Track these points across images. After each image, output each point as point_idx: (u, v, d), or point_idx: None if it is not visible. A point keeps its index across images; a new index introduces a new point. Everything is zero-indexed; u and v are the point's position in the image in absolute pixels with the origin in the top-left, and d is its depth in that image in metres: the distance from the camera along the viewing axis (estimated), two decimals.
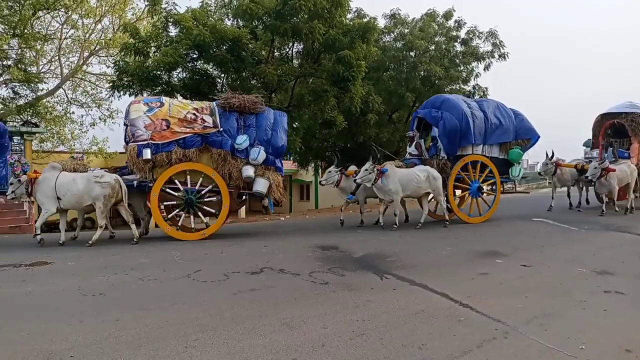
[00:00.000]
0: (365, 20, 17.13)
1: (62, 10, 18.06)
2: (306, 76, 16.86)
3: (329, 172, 11.48)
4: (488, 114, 11.94)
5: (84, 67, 19.66)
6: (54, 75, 19.75)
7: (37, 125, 17.43)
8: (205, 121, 9.76)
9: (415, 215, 11.85)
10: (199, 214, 9.72)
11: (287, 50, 17.97)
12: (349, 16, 17.67)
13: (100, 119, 19.84)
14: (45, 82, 19.00)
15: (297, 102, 16.83)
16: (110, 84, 15.86)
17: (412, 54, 19.73)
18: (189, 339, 3.89)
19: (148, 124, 9.52)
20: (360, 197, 11.64)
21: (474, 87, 21.30)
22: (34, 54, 18.77)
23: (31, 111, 17.43)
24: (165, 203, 9.84)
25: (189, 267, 6.71)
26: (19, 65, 17.18)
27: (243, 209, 22.64)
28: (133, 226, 9.48)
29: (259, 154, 9.65)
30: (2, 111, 16.84)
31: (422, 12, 21.08)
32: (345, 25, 16.10)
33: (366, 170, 10.34)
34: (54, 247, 8.93)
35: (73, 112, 19.76)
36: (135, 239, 9.35)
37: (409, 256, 7.44)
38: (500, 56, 20.50)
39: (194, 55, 15.40)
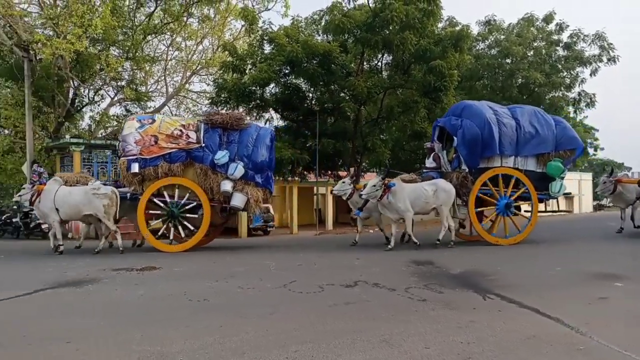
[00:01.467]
0: (457, 28, 16.66)
1: (168, 33, 19.64)
2: (395, 87, 16.70)
3: (343, 182, 10.95)
4: (521, 121, 10.57)
5: (187, 85, 21.16)
6: (160, 94, 21.50)
7: None
8: (190, 137, 10.05)
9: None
10: (179, 227, 9.98)
11: (377, 62, 17.96)
12: (440, 25, 17.29)
13: None
14: (152, 100, 20.77)
15: (387, 113, 16.71)
16: (210, 100, 16.88)
17: (508, 60, 18.81)
18: (289, 349, 3.89)
19: (138, 140, 9.95)
20: (375, 213, 10.84)
21: (579, 94, 19.77)
22: (144, 75, 20.55)
23: None
24: (151, 212, 10.10)
25: (284, 277, 6.81)
26: (131, 86, 18.90)
27: (330, 220, 22.80)
28: (103, 238, 10.20)
29: (236, 169, 9.80)
30: (116, 127, 18.58)
31: (519, 17, 20.05)
32: (436, 35, 15.77)
33: (373, 186, 9.58)
34: (162, 253, 9.57)
35: None
36: (97, 249, 9.92)
37: (512, 275, 6.95)
38: (609, 60, 18.84)
39: (286, 71, 15.93)
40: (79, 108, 19.61)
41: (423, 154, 20.15)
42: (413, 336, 4.23)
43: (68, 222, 10.34)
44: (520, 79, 18.40)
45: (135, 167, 9.80)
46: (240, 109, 16.63)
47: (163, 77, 20.81)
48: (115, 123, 18.75)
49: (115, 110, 20.06)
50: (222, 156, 9.88)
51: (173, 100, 21.09)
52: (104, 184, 10.39)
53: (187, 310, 5.16)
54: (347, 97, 16.55)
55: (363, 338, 4.17)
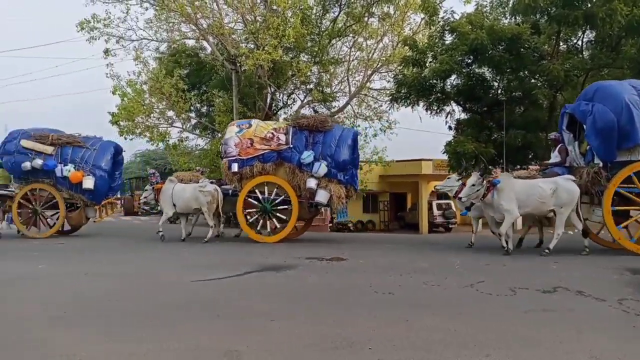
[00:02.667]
0: None
1: (351, 35, 20.47)
2: (601, 68, 14.52)
3: (449, 179, 10.13)
4: None
5: (367, 83, 21.77)
6: (343, 94, 22.53)
7: None
8: (280, 139, 10.89)
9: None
10: (273, 220, 10.80)
11: (576, 41, 15.87)
12: None
13: (380, 130, 21.60)
14: (337, 100, 21.88)
15: None
16: (390, 97, 17.07)
17: None
18: (480, 353, 3.71)
19: (237, 143, 10.96)
20: (473, 213, 9.65)
21: None
22: (329, 77, 21.83)
23: None
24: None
25: (471, 276, 6.53)
26: (318, 88, 20.27)
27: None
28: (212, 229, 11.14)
29: (320, 167, 10.43)
30: None
31: None
32: None
33: (472, 185, 8.51)
34: (347, 245, 10.08)
35: (359, 125, 22.06)
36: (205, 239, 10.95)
37: None
38: None
39: (469, 60, 15.17)
40: (275, 111, 21.85)
41: None
42: (631, 356, 3.64)
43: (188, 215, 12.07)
44: None
45: (234, 167, 10.87)
46: (421, 104, 16.47)
47: (346, 78, 21.77)
48: None
49: (305, 111, 21.76)
50: (307, 156, 10.58)
51: (355, 99, 21.94)
52: (211, 182, 11.66)
53: (373, 301, 5.33)
54: (540, 83, 15.01)
55: (566, 350, 3.75)
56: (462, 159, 13.01)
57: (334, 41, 20.44)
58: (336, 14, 19.75)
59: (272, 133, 11.11)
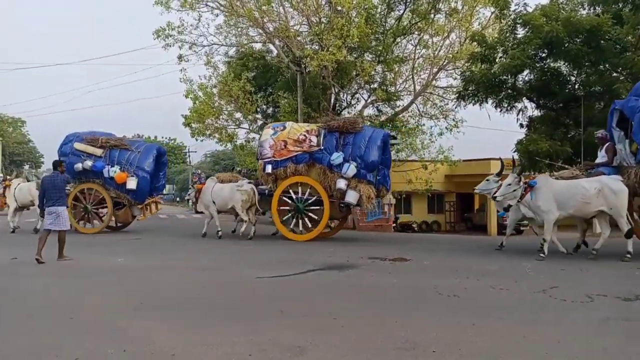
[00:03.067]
0: None
1: (416, 33, 20.11)
2: None
3: (487, 180, 9.66)
4: None
5: (433, 82, 21.29)
6: (408, 93, 22.16)
7: (394, 138, 19.99)
8: (312, 141, 11.13)
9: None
10: (305, 219, 11.03)
11: None
12: None
13: (446, 129, 21.05)
14: (401, 99, 21.57)
15: None
16: (456, 95, 16.58)
17: None
18: None
19: (272, 145, 11.30)
20: (511, 215, 9.47)
21: None
22: (393, 76, 21.58)
23: (390, 125, 20.08)
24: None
25: (543, 281, 6.21)
26: (382, 87, 20.11)
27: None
28: (245, 224, 11.70)
29: (349, 168, 10.65)
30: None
31: None
32: None
33: (508, 185, 8.33)
34: (410, 246, 9.94)
35: (423, 124, 21.64)
36: (249, 236, 11.64)
37: None
38: None
39: (543, 54, 14.41)
40: (338, 112, 21.94)
41: None
42: None
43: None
44: None
45: (269, 168, 11.28)
46: (489, 101, 15.85)
47: (411, 76, 21.41)
48: (368, 123, 20.30)
49: (368, 111, 21.64)
50: (336, 157, 10.83)
51: (420, 97, 21.52)
52: (249, 182, 12.16)
53: (437, 304, 5.22)
54: (622, 77, 13.93)
55: None
56: (536, 159, 12.37)
57: (398, 39, 20.18)
58: (401, 11, 19.47)
59: (305, 135, 11.41)
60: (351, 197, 10.84)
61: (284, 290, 5.96)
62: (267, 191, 11.99)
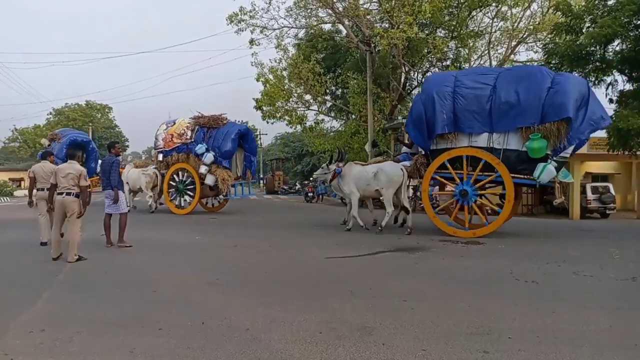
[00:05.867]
0: None
1: (494, 4, 19.00)
2: None
3: (322, 168, 11.12)
4: (498, 89, 8.66)
5: (512, 56, 20.12)
6: None
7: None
8: (187, 135, 13.87)
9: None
10: (186, 197, 13.85)
11: None
12: None
13: None
14: None
15: None
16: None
17: None
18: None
19: (164, 138, 14.27)
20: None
21: None
22: (467, 52, 20.65)
23: None
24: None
25: (633, 268, 5.75)
26: (455, 64, 19.32)
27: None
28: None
29: (206, 157, 13.27)
30: None
31: None
32: None
33: (321, 168, 10.94)
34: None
35: None
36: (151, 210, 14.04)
37: None
38: None
39: (638, 22, 13.07)
40: (409, 91, 21.42)
41: None
42: None
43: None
44: None
45: (160, 157, 14.24)
46: (575, 74, 14.71)
47: (487, 51, 20.38)
48: None
49: None
50: (199, 147, 13.33)
51: None
52: (154, 168, 14.10)
53: (514, 289, 5.00)
54: None
55: None
56: (627, 137, 11.37)
57: (474, 12, 19.24)
58: None
59: (184, 130, 14.03)
60: (209, 180, 13.30)
61: (353, 271, 5.99)
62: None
